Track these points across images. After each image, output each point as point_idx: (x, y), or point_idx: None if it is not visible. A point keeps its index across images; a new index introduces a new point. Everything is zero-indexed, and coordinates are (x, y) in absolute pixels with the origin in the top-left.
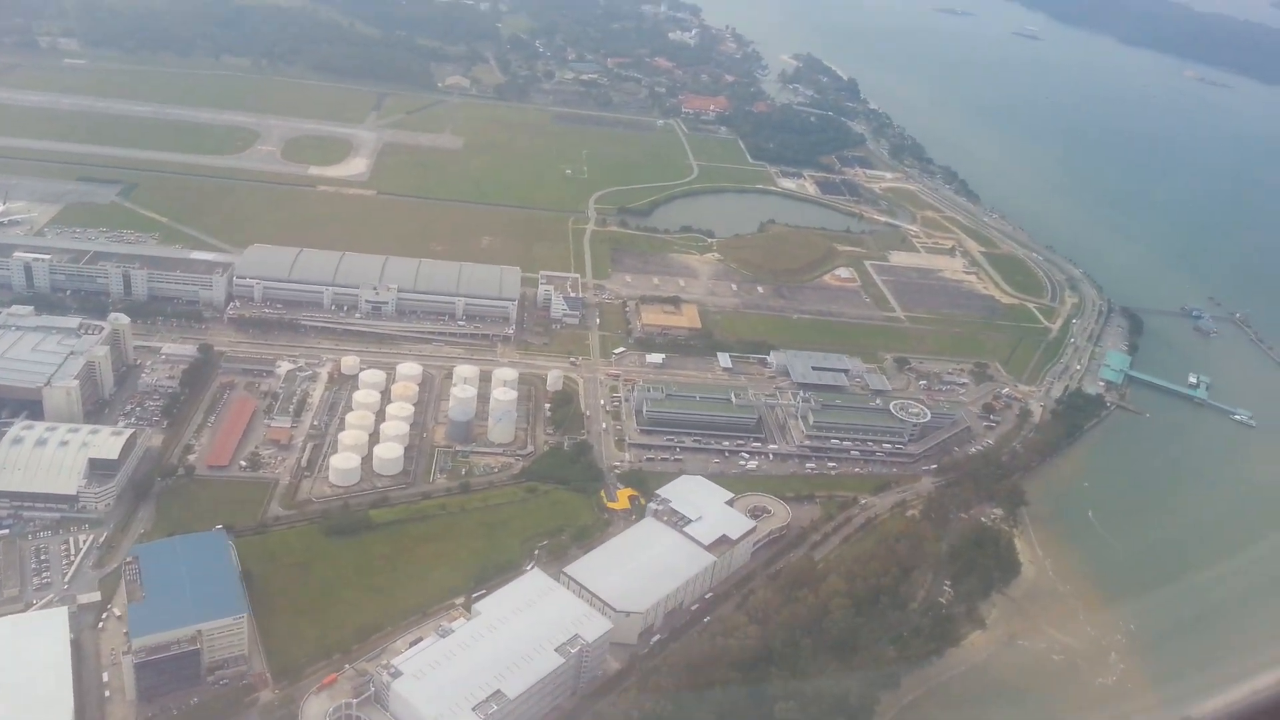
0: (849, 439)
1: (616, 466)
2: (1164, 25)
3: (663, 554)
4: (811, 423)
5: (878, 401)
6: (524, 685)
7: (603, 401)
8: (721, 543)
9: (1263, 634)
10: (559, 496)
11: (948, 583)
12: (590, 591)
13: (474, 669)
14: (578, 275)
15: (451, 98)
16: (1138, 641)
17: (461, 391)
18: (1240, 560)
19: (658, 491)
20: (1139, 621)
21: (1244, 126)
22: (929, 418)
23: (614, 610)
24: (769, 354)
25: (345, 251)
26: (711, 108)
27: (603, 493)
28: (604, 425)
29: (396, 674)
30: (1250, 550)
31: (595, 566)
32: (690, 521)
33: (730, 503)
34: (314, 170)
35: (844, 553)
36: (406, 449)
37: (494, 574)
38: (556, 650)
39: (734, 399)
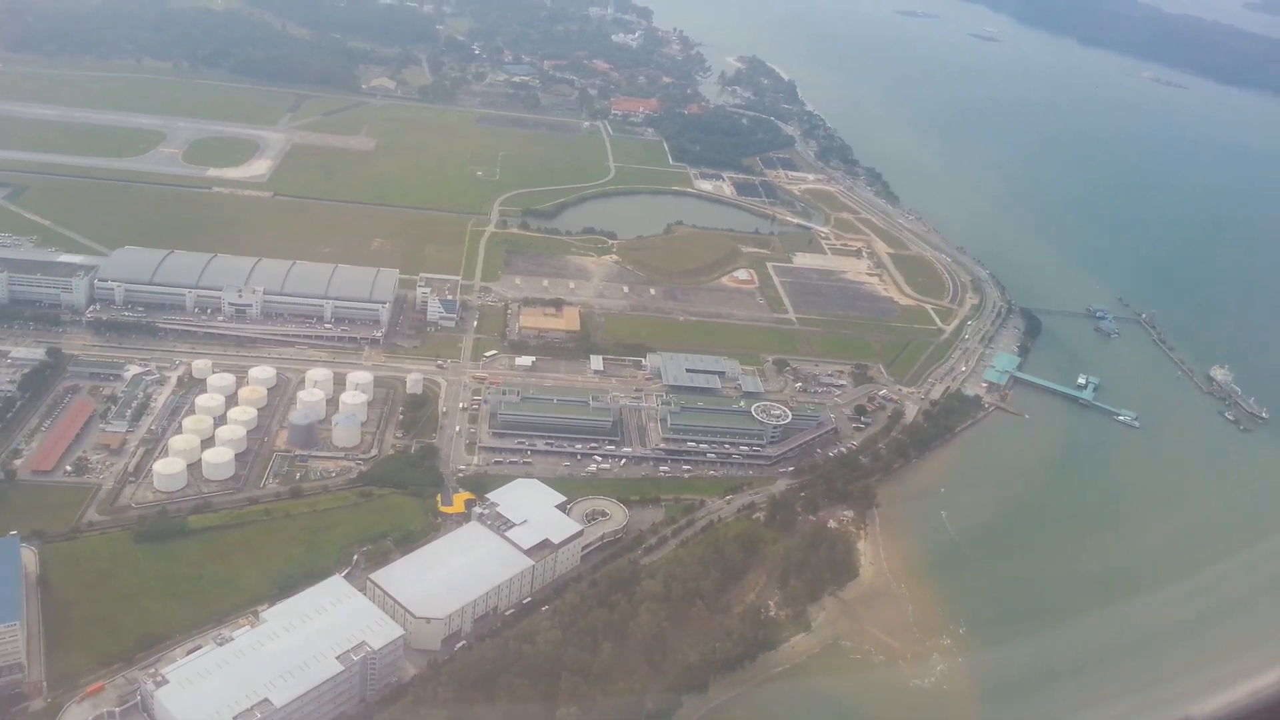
0: (706, 441)
1: (461, 470)
2: (1128, 27)
3: (478, 559)
4: (669, 425)
5: (741, 404)
6: (294, 693)
7: (462, 405)
8: (543, 547)
9: (1094, 637)
10: (394, 501)
11: (779, 586)
12: (392, 598)
13: (244, 677)
14: (459, 277)
15: (374, 100)
16: (964, 644)
17: (308, 395)
18: (1085, 562)
19: (488, 495)
20: (970, 624)
21: (1187, 127)
22: (790, 419)
23: (413, 616)
24: (645, 357)
25: (216, 254)
26: (641, 109)
27: (439, 497)
28: (458, 429)
29: (162, 682)
30: (1098, 553)
31: (405, 572)
32: (513, 526)
33: (564, 506)
34: (213, 172)
35: (679, 555)
36: (243, 454)
37: (304, 581)
38: (337, 658)
39: (591, 402)
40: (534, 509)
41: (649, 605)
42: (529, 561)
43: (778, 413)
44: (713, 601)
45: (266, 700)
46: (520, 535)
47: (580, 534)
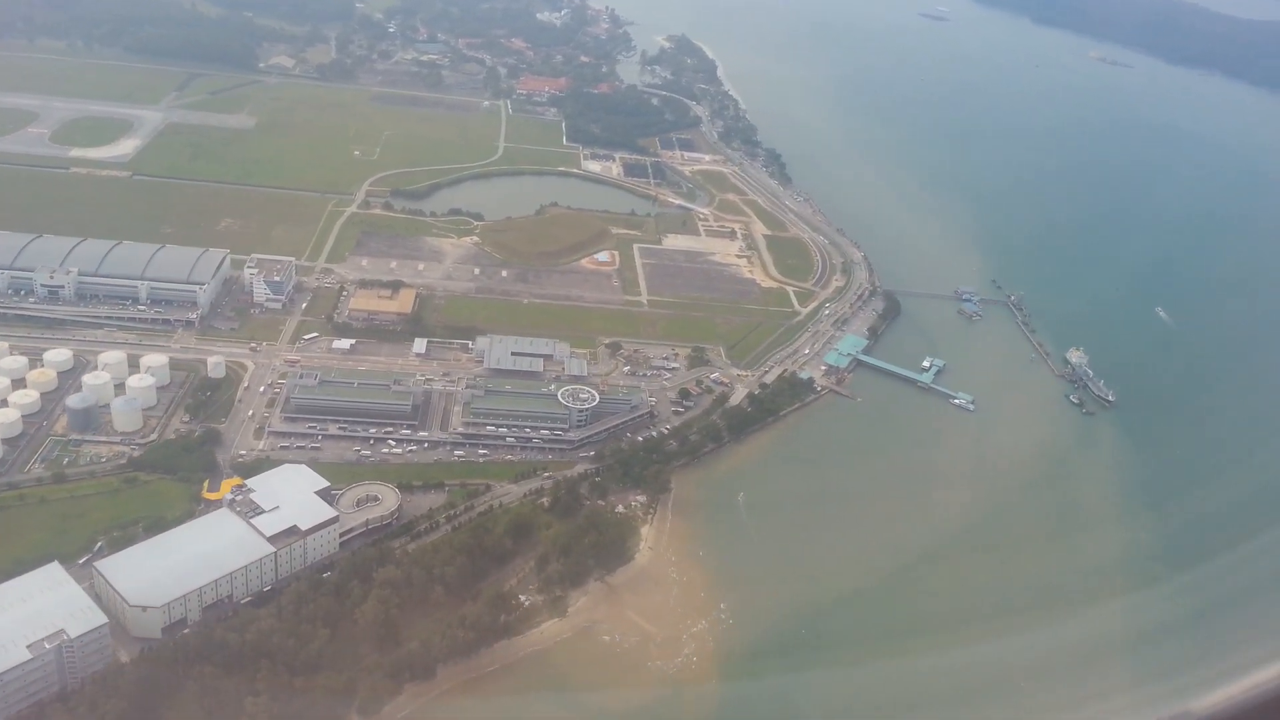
0: (506, 425)
1: (243, 456)
2: (1082, 5)
3: (214, 546)
4: (470, 409)
5: (552, 387)
6: None
7: (262, 389)
8: (290, 534)
9: (859, 621)
10: (160, 487)
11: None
12: (111, 585)
13: None
14: (293, 259)
15: (268, 78)
16: (724, 629)
17: (93, 379)
18: (871, 546)
19: (247, 481)
20: (736, 607)
21: (1119, 108)
22: (597, 402)
23: (129, 604)
24: (474, 340)
25: (41, 234)
26: (546, 89)
27: (206, 483)
28: (250, 413)
29: None
30: (888, 537)
31: (133, 559)
32: (263, 512)
33: (329, 492)
34: (76, 153)
35: (441, 542)
36: (16, 438)
37: (30, 568)
38: (28, 647)
39: (393, 385)
40: (292, 495)
41: (379, 592)
42: (270, 548)
43: (585, 396)
44: (460, 588)
45: None
46: (266, 522)
47: (335, 520)
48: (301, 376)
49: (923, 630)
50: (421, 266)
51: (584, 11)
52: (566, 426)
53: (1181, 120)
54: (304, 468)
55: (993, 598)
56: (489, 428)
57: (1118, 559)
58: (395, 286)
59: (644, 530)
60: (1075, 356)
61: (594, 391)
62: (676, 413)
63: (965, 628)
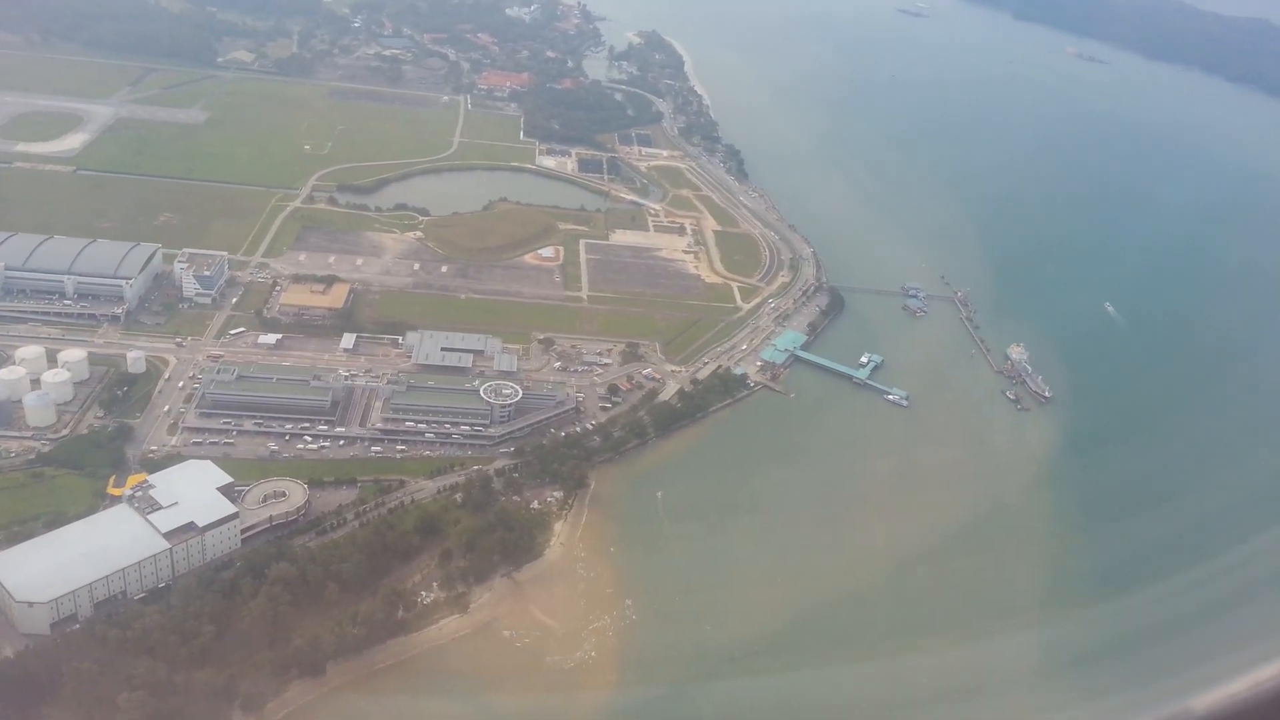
0: (425, 421)
1: (154, 452)
2: (1063, 1)
3: (109, 542)
4: (389, 405)
5: (476, 383)
6: None
7: (180, 384)
8: (186, 530)
9: (774, 624)
10: (66, 482)
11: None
12: None
13: None
14: (225, 253)
15: (226, 73)
16: (627, 626)
17: (8, 374)
18: (785, 541)
19: (149, 477)
20: (645, 606)
21: (1089, 104)
22: (519, 398)
23: (15, 600)
24: (404, 335)
25: None
26: (508, 84)
27: (112, 479)
28: (166, 408)
29: None
30: (801, 532)
31: (24, 555)
32: (160, 508)
33: (232, 488)
34: (22, 147)
35: (352, 537)
36: None
37: None
38: None
39: (312, 381)
40: (193, 491)
41: (269, 589)
42: (165, 545)
43: (508, 392)
44: (358, 584)
45: None
46: (163, 518)
47: (235, 516)
48: (218, 372)
49: (838, 638)
50: (360, 261)
51: (554, 7)
52: (488, 422)
53: (1149, 116)
54: (209, 464)
55: (910, 604)
56: (408, 423)
57: (1034, 557)
58: (329, 281)
59: (557, 526)
60: (1016, 352)
61: (517, 387)
62: (604, 409)
63: (878, 635)
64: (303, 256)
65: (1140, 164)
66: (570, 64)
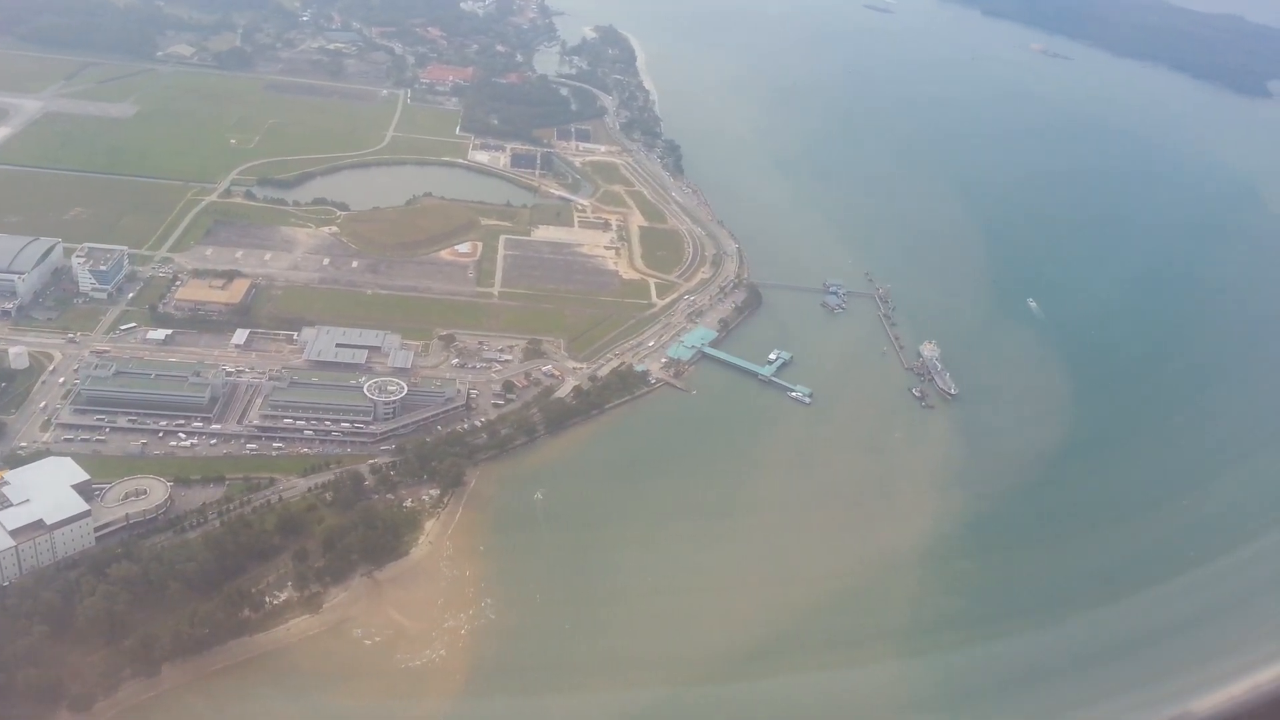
0: (304, 418)
1: (22, 448)
2: None
3: None
4: (269, 401)
5: (362, 380)
6: None
7: (62, 380)
8: (34, 528)
9: (631, 618)
10: None
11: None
12: None
13: None
14: (125, 247)
15: (163, 67)
16: (482, 626)
17: None
18: (663, 548)
19: (6, 474)
20: (504, 606)
21: (1045, 102)
22: (404, 394)
23: None
24: (300, 330)
25: None
26: (451, 78)
27: None
28: (43, 404)
29: None
30: (682, 539)
31: None
32: (10, 506)
33: (89, 485)
34: None
35: (206, 536)
36: None
37: None
38: None
39: (191, 377)
40: (47, 489)
41: (105, 588)
42: (10, 542)
43: (393, 388)
44: (207, 584)
45: None
46: (11, 516)
47: (87, 514)
48: (96, 367)
49: (702, 656)
50: (268, 256)
51: (510, 2)
52: (370, 419)
53: (1103, 113)
54: (68, 461)
55: (788, 614)
56: (286, 420)
57: (917, 557)
58: (229, 277)
59: (428, 525)
60: (928, 350)
61: (402, 384)
62: (496, 406)
63: (750, 654)
64: (209, 251)
65: (1084, 159)
66: (520, 58)
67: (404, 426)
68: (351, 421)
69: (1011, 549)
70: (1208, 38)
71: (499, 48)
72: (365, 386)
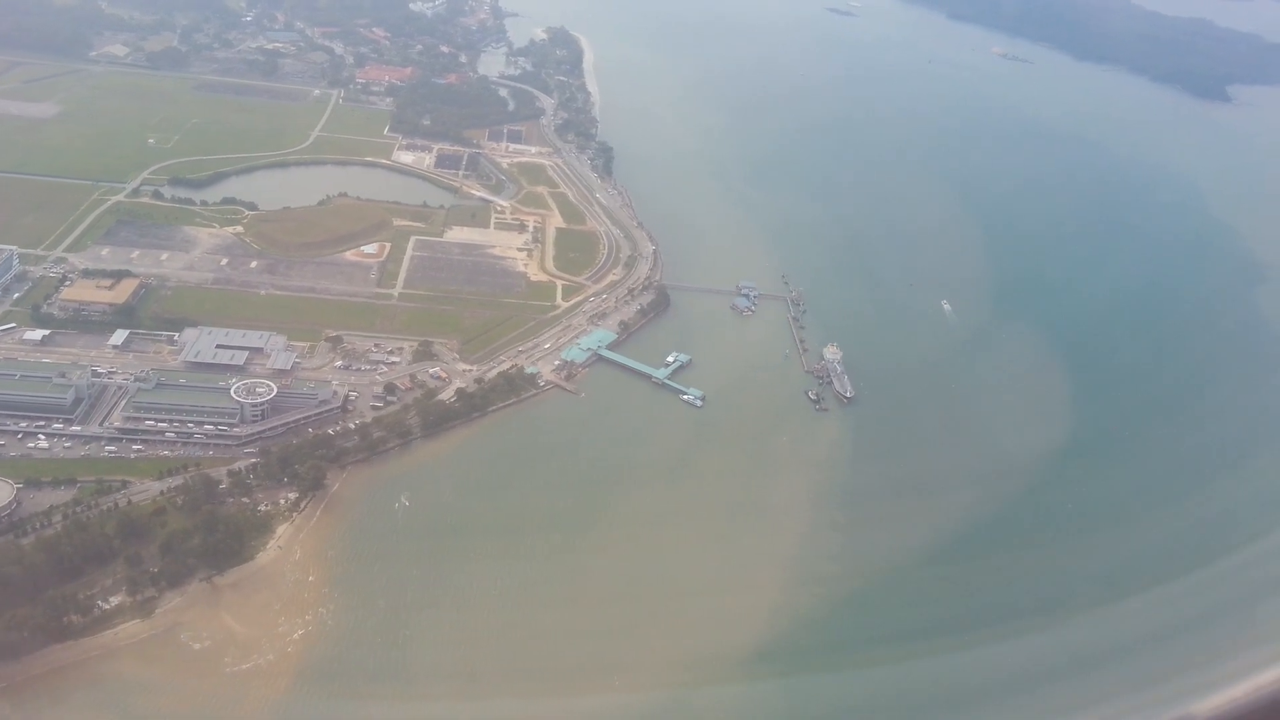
0: (167, 420)
1: None
2: (998, 1)
3: None
4: (131, 403)
5: (232, 381)
6: None
7: None
8: None
9: (468, 645)
10: None
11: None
12: None
13: None
14: (15, 247)
15: (95, 67)
16: (317, 632)
17: None
18: (520, 555)
19: None
20: (343, 613)
21: (997, 104)
22: (273, 396)
23: None
24: (182, 331)
25: None
26: (388, 78)
27: None
28: None
29: None
30: (538, 546)
31: None
32: None
33: None
34: None
35: (42, 539)
36: None
37: None
38: None
39: (55, 378)
40: None
41: None
42: None
43: (261, 390)
44: (32, 588)
45: None
46: None
47: None
48: None
49: (549, 673)
50: (165, 256)
51: (461, 3)
52: (236, 421)
53: (1051, 116)
54: None
55: (640, 630)
56: (148, 422)
57: (785, 568)
58: (119, 276)
59: (280, 529)
60: (830, 352)
61: (272, 385)
62: (375, 408)
63: (600, 669)
64: (106, 251)
65: (1023, 162)
66: (464, 59)
67: (272, 429)
68: (216, 424)
69: (903, 564)
70: (1173, 41)
71: (443, 49)
72: (233, 388)
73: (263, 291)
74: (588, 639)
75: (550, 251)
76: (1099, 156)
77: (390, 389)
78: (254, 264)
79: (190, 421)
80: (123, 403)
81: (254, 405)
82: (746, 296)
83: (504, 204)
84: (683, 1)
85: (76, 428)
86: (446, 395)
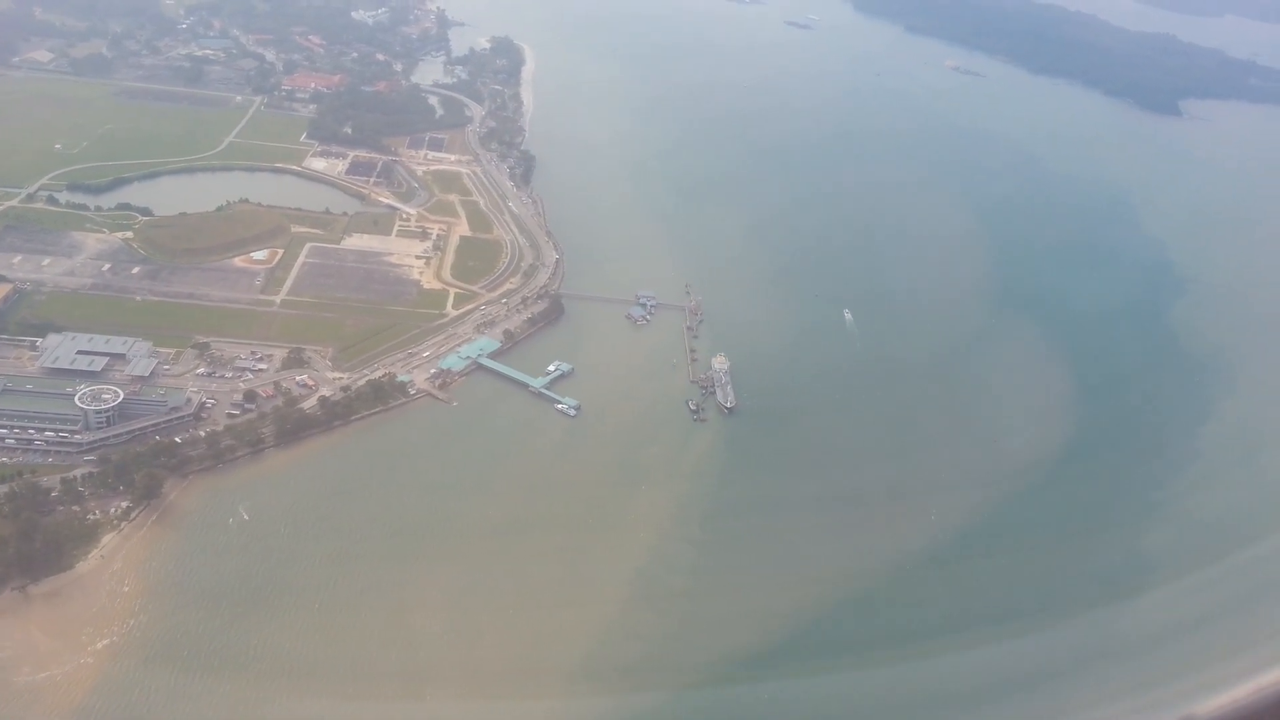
0: (8, 426)
1: None
2: (957, 14)
3: None
4: None
5: (80, 387)
6: None
7: None
8: None
9: (288, 661)
10: None
11: None
12: None
13: None
14: None
15: (17, 73)
16: (122, 644)
17: None
18: (361, 585)
19: None
20: (151, 626)
21: (941, 117)
22: (118, 402)
23: None
24: (45, 337)
25: None
26: (314, 85)
27: None
28: None
29: None
30: (373, 561)
31: None
32: None
33: None
34: None
35: None
36: None
37: None
38: None
39: None
40: None
41: None
42: None
43: (107, 397)
44: None
45: None
46: None
47: None
48: None
49: (386, 669)
50: (47, 262)
51: (406, 12)
52: (79, 428)
53: (990, 128)
54: None
55: (465, 642)
56: None
57: (631, 583)
58: None
59: (106, 538)
60: (718, 362)
61: (118, 391)
62: (231, 416)
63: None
64: None
65: (956, 174)
66: (399, 67)
67: (116, 436)
68: (57, 430)
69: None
70: (1130, 56)
71: (379, 56)
72: (77, 395)
73: (139, 298)
74: (411, 647)
75: (450, 260)
76: (1035, 168)
77: (250, 396)
78: (136, 270)
79: (31, 428)
80: None
81: (98, 412)
82: (643, 306)
83: (410, 211)
84: (644, 14)
85: None
86: (309, 404)
